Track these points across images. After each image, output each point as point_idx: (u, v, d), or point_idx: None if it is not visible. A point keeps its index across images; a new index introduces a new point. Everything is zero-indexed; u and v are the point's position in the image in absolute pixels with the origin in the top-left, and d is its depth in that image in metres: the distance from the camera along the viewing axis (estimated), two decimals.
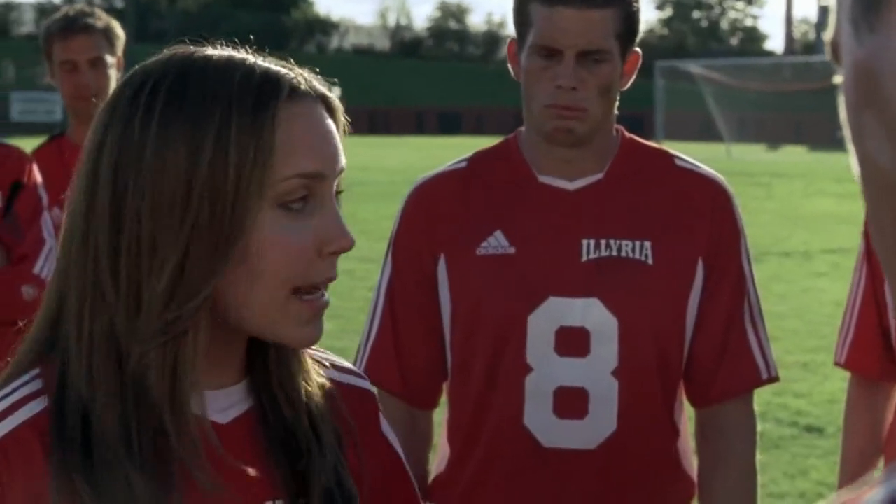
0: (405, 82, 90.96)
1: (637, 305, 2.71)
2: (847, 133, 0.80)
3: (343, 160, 1.56)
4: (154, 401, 1.48)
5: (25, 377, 1.54)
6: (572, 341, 2.71)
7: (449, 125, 67.57)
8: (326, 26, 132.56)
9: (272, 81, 1.51)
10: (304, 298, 1.52)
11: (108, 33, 4.43)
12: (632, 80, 2.82)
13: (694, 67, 57.87)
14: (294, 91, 1.52)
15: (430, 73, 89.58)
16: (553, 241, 2.74)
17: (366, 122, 71.05)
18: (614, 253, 2.73)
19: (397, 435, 2.85)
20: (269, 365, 1.62)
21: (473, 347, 2.76)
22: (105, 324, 1.48)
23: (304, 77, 1.56)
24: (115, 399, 1.48)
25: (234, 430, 1.59)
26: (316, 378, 1.67)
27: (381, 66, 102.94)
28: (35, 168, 4.05)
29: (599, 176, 2.79)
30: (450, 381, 2.86)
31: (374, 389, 1.85)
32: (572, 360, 2.71)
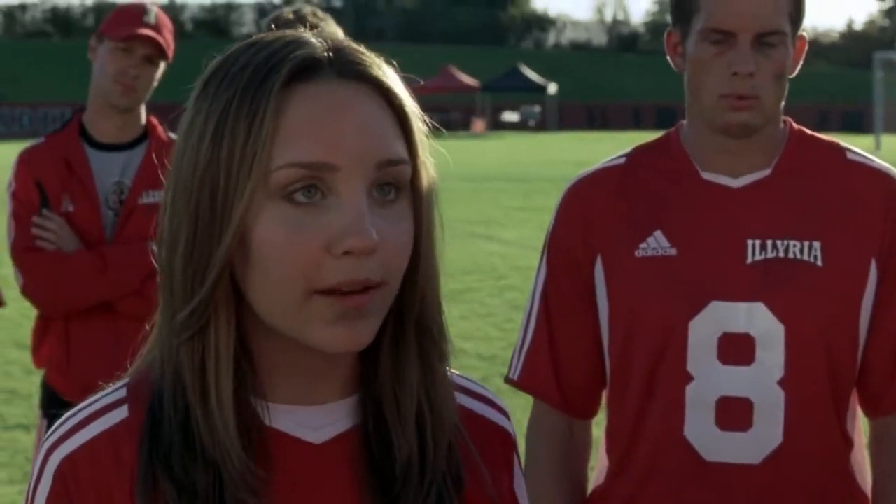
0: (622, 77, 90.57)
1: (805, 310, 2.54)
2: None
3: (382, 151, 1.39)
4: (190, 398, 1.42)
5: (117, 384, 1.51)
6: (736, 348, 2.55)
7: (667, 120, 66.83)
8: (544, 22, 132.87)
9: (277, 62, 1.39)
10: (329, 297, 1.37)
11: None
12: (798, 68, 2.65)
13: None
14: (309, 70, 1.39)
15: (648, 67, 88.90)
16: (716, 241, 2.59)
17: (583, 117, 70.85)
18: (781, 254, 2.57)
19: (553, 446, 2.76)
20: (378, 375, 1.49)
21: (631, 354, 2.63)
22: (165, 321, 1.45)
23: (338, 55, 1.42)
24: (174, 402, 1.43)
25: (328, 451, 1.47)
26: (452, 402, 1.52)
27: (598, 61, 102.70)
28: None
29: (766, 172, 2.63)
30: (608, 389, 2.73)
31: (513, 430, 1.66)
32: (736, 368, 2.56)
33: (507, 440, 1.63)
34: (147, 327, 1.52)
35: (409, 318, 1.47)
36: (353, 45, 1.44)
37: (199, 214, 1.38)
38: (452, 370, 1.58)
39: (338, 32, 4.25)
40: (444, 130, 1.61)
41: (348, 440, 1.48)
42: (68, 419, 1.48)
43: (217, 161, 1.37)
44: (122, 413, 1.47)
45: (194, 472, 1.39)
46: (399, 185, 1.41)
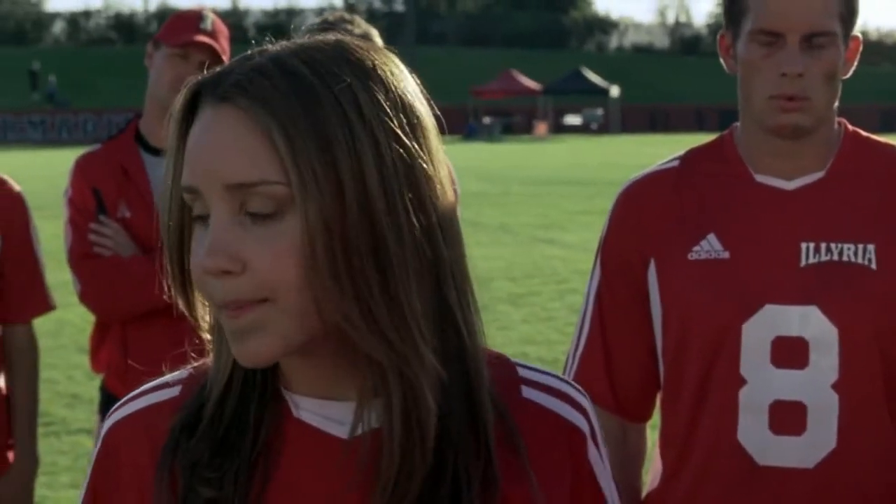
0: (685, 80, 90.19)
1: (859, 314, 2.52)
2: None
3: (231, 174, 1.37)
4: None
5: (188, 367, 1.59)
6: (790, 352, 2.53)
7: (730, 122, 66.26)
8: (606, 25, 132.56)
9: (185, 90, 1.46)
10: (224, 316, 1.42)
11: (365, 39, 4.39)
12: (853, 69, 2.63)
13: None
14: (207, 96, 1.42)
15: (711, 69, 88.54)
16: (770, 245, 2.57)
17: (645, 120, 70.59)
18: (835, 257, 2.55)
19: (608, 450, 2.74)
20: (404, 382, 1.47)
21: (684, 358, 2.62)
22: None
23: (223, 78, 1.41)
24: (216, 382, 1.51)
25: (353, 447, 1.46)
26: (486, 405, 1.49)
27: (660, 63, 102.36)
28: None
29: (820, 174, 2.61)
30: (661, 392, 2.72)
31: (588, 425, 1.61)
32: (789, 371, 2.54)
33: (577, 436, 1.59)
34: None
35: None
36: (256, 65, 1.42)
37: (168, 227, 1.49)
38: (529, 364, 1.58)
39: (372, 34, 4.26)
40: (457, 142, 1.59)
41: (374, 439, 1.47)
42: (134, 392, 1.59)
43: (169, 180, 1.46)
44: (173, 391, 1.56)
45: (201, 451, 1.47)
46: (268, 207, 1.38)
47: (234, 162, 1.38)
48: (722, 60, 2.67)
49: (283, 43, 1.46)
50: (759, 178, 2.63)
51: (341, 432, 1.48)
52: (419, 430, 1.44)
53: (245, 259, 1.38)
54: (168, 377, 1.57)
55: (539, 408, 1.57)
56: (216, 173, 1.38)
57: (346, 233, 1.38)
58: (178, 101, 1.43)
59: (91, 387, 9.07)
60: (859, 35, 2.62)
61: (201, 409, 1.49)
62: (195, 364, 1.58)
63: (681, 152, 2.76)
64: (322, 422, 1.49)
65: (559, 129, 66.58)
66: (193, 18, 4.04)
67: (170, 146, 1.44)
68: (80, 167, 4.09)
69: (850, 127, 2.67)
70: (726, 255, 2.58)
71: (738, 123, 2.70)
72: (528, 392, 1.57)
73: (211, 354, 1.52)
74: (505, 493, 1.49)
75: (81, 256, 4.01)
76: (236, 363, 1.46)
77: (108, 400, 4.14)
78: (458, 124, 55.81)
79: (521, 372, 1.59)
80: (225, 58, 4.05)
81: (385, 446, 1.45)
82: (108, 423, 1.56)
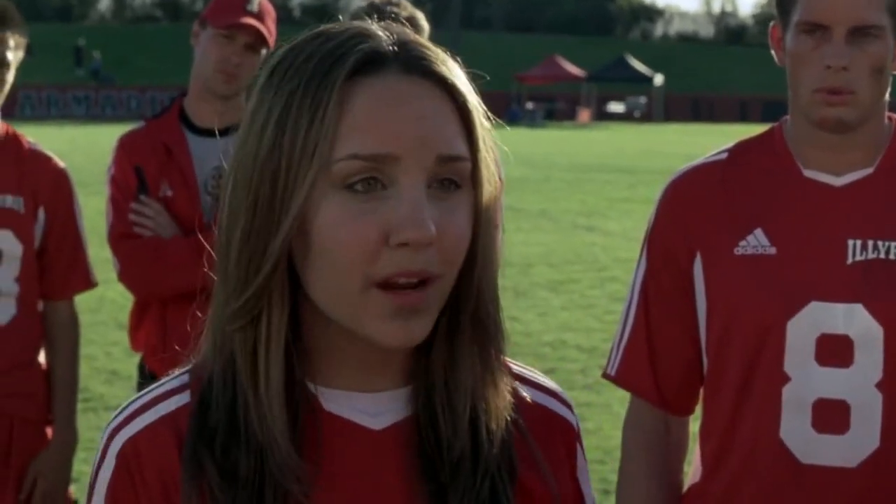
0: (729, 69, 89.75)
1: None
2: None
3: (442, 145, 1.39)
4: (242, 387, 1.43)
5: (182, 369, 1.53)
6: (834, 350, 2.51)
7: (773, 113, 66.17)
8: (651, 13, 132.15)
9: (341, 54, 1.40)
10: (386, 291, 1.38)
11: (412, 22, 4.37)
12: None
13: None
14: (374, 64, 1.40)
15: (755, 60, 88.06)
16: (817, 241, 2.55)
17: (689, 109, 70.33)
18: (882, 255, 2.52)
19: (650, 442, 2.73)
20: (431, 367, 1.49)
21: (728, 353, 2.59)
22: (220, 307, 1.46)
23: (403, 49, 1.42)
24: (223, 387, 1.45)
25: (386, 438, 1.48)
26: (506, 395, 1.52)
27: (705, 53, 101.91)
28: None
29: (869, 170, 2.58)
30: (704, 385, 2.69)
31: (576, 421, 1.65)
32: (834, 370, 2.51)
33: (569, 431, 1.62)
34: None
35: (465, 311, 1.47)
36: (419, 39, 1.44)
37: (257, 202, 1.40)
38: (515, 362, 1.59)
39: (418, 18, 4.24)
40: (507, 127, 1.60)
41: (405, 428, 1.49)
42: (131, 403, 1.51)
43: (279, 150, 1.39)
44: (183, 398, 1.49)
45: (237, 455, 1.41)
46: (459, 180, 1.41)
47: (447, 134, 1.40)
48: (773, 52, 2.64)
49: (393, 24, 1.47)
50: (808, 172, 2.60)
51: (373, 424, 1.48)
52: (454, 415, 1.47)
53: (438, 231, 1.37)
54: (168, 384, 1.51)
55: (532, 403, 1.58)
56: (431, 142, 1.39)
57: (493, 214, 1.46)
58: (341, 69, 1.38)
59: (130, 363, 9.10)
60: None
61: (217, 409, 1.44)
62: (187, 366, 1.53)
63: (729, 144, 2.73)
64: (355, 414, 1.48)
65: (602, 116, 66.40)
66: (240, 0, 4.03)
67: (315, 114, 1.38)
68: (124, 145, 4.09)
69: None
70: (773, 250, 2.56)
71: (787, 117, 2.67)
72: (521, 388, 1.58)
73: (209, 355, 1.48)
74: (521, 479, 1.52)
75: (121, 236, 4.01)
76: (263, 353, 1.42)
77: (146, 379, 4.15)
78: (500, 110, 55.81)
79: (513, 368, 1.60)
80: (271, 40, 4.04)
81: (424, 433, 1.47)
82: (120, 439, 1.48)
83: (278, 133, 1.39)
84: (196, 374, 1.51)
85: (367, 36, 1.42)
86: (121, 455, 1.47)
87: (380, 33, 1.42)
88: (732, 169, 2.67)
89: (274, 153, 1.39)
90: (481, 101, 1.46)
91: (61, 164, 3.94)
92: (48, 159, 3.90)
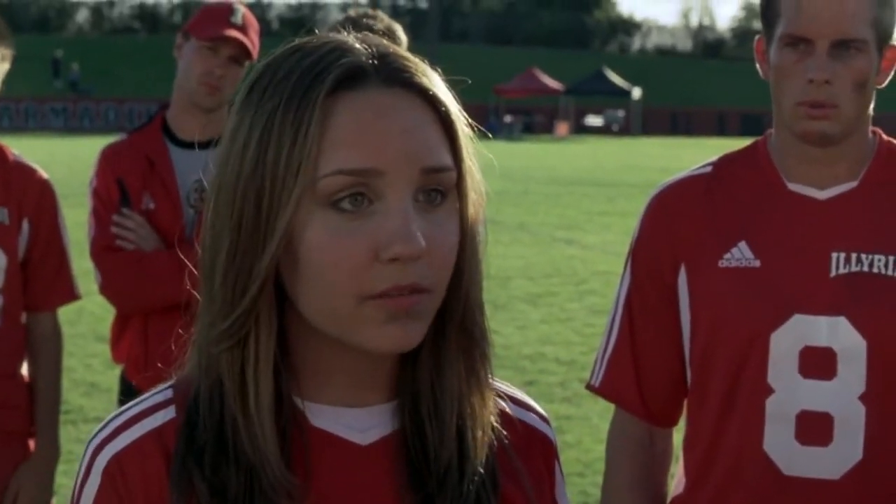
0: (707, 83, 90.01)
1: (888, 326, 2.50)
2: None
3: (427, 157, 1.38)
4: (230, 407, 1.42)
5: (163, 385, 1.52)
6: (817, 362, 2.52)
7: (751, 126, 66.42)
8: (629, 26, 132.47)
9: (321, 70, 1.38)
10: (380, 300, 1.37)
11: (388, 34, 4.38)
12: (889, 78, 2.61)
13: None
14: (354, 79, 1.39)
15: (733, 73, 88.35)
16: (801, 254, 2.56)
17: (667, 122, 70.50)
18: (865, 268, 2.53)
19: (634, 454, 2.74)
20: (418, 378, 1.48)
21: (712, 365, 2.60)
22: (205, 328, 1.44)
23: (383, 62, 1.41)
24: (209, 406, 1.43)
25: (374, 452, 1.47)
26: (491, 404, 1.52)
27: (683, 66, 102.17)
28: None
29: (853, 184, 2.59)
30: (688, 398, 2.70)
31: (554, 437, 1.65)
32: (817, 382, 2.52)
33: (549, 446, 1.63)
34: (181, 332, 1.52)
35: (452, 321, 1.46)
36: (398, 50, 1.44)
37: (242, 222, 1.38)
38: (494, 377, 1.57)
39: (395, 30, 4.25)
40: (490, 135, 1.60)
41: (393, 443, 1.48)
42: (114, 419, 1.49)
43: (262, 169, 1.37)
44: (169, 413, 1.47)
45: (226, 474, 1.40)
46: (444, 191, 1.41)
47: (431, 145, 1.39)
48: (758, 65, 2.65)
49: (371, 36, 1.46)
50: (792, 186, 2.61)
51: (360, 439, 1.48)
52: (441, 423, 1.47)
53: (428, 243, 1.37)
54: (151, 399, 1.49)
55: (511, 418, 1.58)
56: (415, 156, 1.37)
57: (479, 223, 1.46)
58: (322, 85, 1.37)
59: (109, 376, 9.09)
60: None
61: (205, 428, 1.42)
62: (170, 381, 1.52)
63: (713, 158, 2.74)
64: (341, 429, 1.47)
65: (580, 129, 66.53)
66: (224, 11, 4.03)
67: (298, 132, 1.36)
68: (106, 157, 4.08)
69: (885, 137, 2.65)
70: (757, 263, 2.57)
71: (772, 130, 2.68)
72: (501, 402, 1.57)
73: (195, 369, 1.46)
74: (504, 492, 1.52)
75: (103, 249, 4.00)
76: (251, 374, 1.41)
77: (127, 391, 4.14)
78: (479, 123, 55.64)
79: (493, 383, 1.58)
80: (255, 53, 4.04)
81: (411, 442, 1.47)
82: (105, 454, 1.46)
83: (261, 152, 1.37)
84: (180, 389, 1.49)
85: (345, 50, 1.41)
86: (106, 471, 1.45)
87: (358, 46, 1.41)
88: (717, 182, 2.68)
89: (257, 172, 1.37)
90: (462, 110, 1.46)
91: (45, 175, 3.94)
92: (33, 171, 3.89)
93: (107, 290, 4.02)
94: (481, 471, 1.48)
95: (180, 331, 1.51)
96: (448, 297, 1.44)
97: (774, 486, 2.54)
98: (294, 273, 1.39)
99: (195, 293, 1.48)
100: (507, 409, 1.57)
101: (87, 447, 1.49)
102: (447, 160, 1.41)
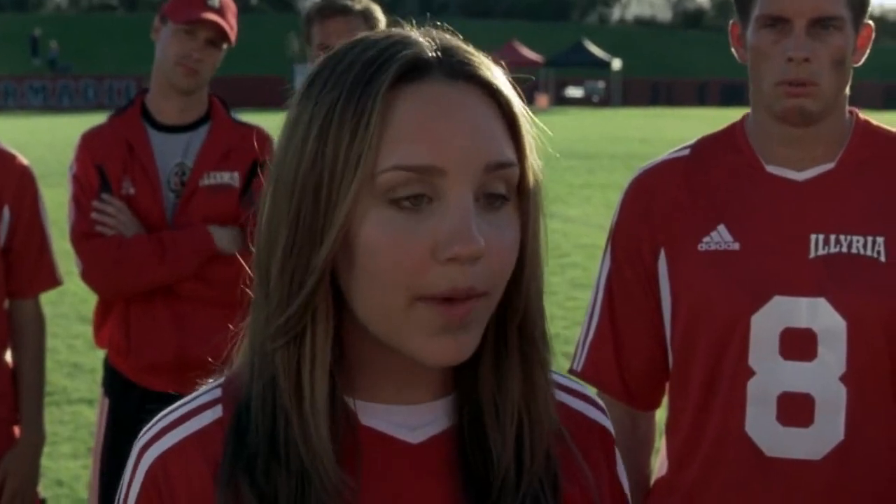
0: (687, 53, 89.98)
1: (868, 306, 2.51)
2: None
3: (491, 154, 1.34)
4: (284, 404, 1.38)
5: (213, 382, 1.50)
6: (798, 344, 2.52)
7: (731, 97, 66.48)
8: None
9: (383, 62, 1.35)
10: (432, 305, 1.32)
11: (366, 15, 4.38)
12: (865, 57, 2.61)
13: None
14: (417, 71, 1.35)
15: (713, 43, 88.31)
16: (780, 236, 2.56)
17: (648, 93, 70.44)
18: (844, 249, 2.54)
19: (617, 437, 2.74)
20: (479, 379, 1.45)
21: (693, 348, 2.61)
22: (260, 325, 1.41)
23: (446, 55, 1.38)
24: (262, 407, 1.40)
25: (425, 451, 1.45)
26: (551, 407, 1.48)
27: (663, 37, 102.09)
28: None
29: (830, 165, 2.60)
30: (670, 381, 2.71)
31: (611, 426, 1.63)
32: (798, 363, 2.53)
33: (607, 437, 1.61)
34: (231, 326, 1.49)
35: (512, 323, 1.43)
36: (462, 44, 1.41)
37: (300, 216, 1.35)
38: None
39: (374, 11, 4.26)
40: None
41: (445, 441, 1.46)
42: (163, 418, 1.48)
43: (321, 162, 1.33)
44: (216, 413, 1.46)
45: (278, 479, 1.37)
46: (507, 189, 1.37)
47: (494, 140, 1.36)
48: (733, 50, 2.66)
49: (434, 30, 1.43)
50: (770, 168, 2.62)
51: (411, 437, 1.45)
52: (502, 430, 1.44)
53: (487, 246, 1.32)
54: (200, 399, 1.47)
55: (570, 410, 1.57)
56: (477, 152, 1.34)
57: (539, 223, 1.43)
58: (384, 77, 1.33)
59: (92, 357, 9.09)
60: (871, 22, 2.60)
61: (258, 432, 1.39)
62: (221, 378, 1.50)
63: (692, 141, 2.75)
64: (392, 428, 1.45)
65: (561, 101, 66.41)
66: None
67: (359, 124, 1.33)
68: (86, 142, 4.07)
69: (862, 116, 2.66)
70: (736, 246, 2.57)
71: (749, 112, 2.68)
72: (560, 395, 1.55)
73: (245, 369, 1.44)
74: (566, 495, 1.49)
75: (83, 235, 4.00)
76: (307, 372, 1.37)
77: (111, 375, 4.15)
78: None
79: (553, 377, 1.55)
80: (232, 35, 4.03)
81: (469, 447, 1.44)
82: (150, 455, 1.45)
83: (320, 144, 1.34)
84: (229, 388, 1.47)
85: (408, 43, 1.37)
86: (150, 473, 1.44)
87: (421, 40, 1.38)
88: (695, 165, 2.68)
89: (316, 165, 1.34)
90: (526, 107, 1.42)
91: (25, 161, 3.93)
92: (12, 157, 3.87)
93: (87, 276, 4.01)
94: (539, 476, 1.45)
95: (230, 325, 1.49)
96: (509, 299, 1.41)
97: (757, 467, 2.55)
98: (350, 270, 1.35)
99: (174, 279, 1.45)
100: (566, 402, 1.56)
101: (135, 446, 1.48)
102: (511, 155, 1.37)
